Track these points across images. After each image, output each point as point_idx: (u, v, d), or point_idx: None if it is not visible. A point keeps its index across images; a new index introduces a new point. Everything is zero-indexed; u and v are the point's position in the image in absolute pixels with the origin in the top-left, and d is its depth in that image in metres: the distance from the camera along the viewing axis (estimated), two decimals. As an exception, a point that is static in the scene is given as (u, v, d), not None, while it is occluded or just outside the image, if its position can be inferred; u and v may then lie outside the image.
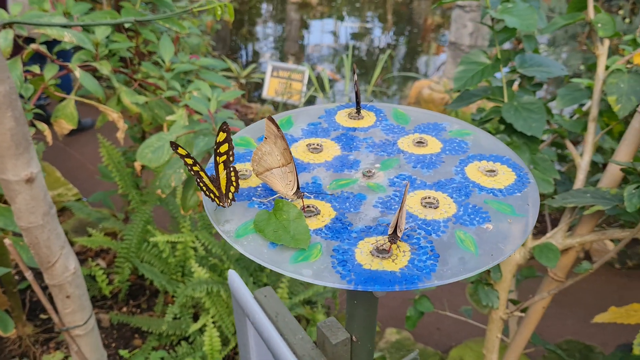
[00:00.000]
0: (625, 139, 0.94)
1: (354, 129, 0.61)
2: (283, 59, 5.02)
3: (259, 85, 4.08)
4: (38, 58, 2.21)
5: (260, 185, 0.53)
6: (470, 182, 0.52)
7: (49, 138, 1.19)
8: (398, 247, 0.45)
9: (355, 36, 5.94)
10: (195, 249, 1.66)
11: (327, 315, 1.75)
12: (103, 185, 2.32)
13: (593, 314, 1.16)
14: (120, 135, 1.29)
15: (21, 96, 1.13)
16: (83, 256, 1.89)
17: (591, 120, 1.02)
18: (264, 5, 7.07)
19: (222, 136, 0.48)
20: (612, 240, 2.01)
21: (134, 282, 1.81)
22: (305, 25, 6.25)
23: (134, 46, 1.43)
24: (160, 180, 1.14)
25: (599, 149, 1.71)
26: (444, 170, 0.54)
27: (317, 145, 0.58)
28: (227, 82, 1.42)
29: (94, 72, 1.30)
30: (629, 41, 1.10)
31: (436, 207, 0.49)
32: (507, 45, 1.11)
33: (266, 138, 0.49)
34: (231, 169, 0.49)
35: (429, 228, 0.47)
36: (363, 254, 0.44)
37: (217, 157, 0.49)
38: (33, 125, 1.14)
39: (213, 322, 1.48)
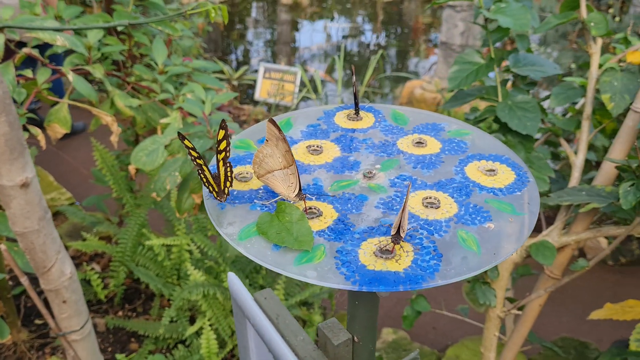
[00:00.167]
0: (619, 137, 0.95)
1: (353, 130, 0.61)
2: (275, 60, 5.02)
3: (250, 87, 4.08)
4: (29, 62, 2.20)
5: (262, 187, 0.53)
6: (470, 182, 0.53)
7: (43, 142, 1.18)
8: (401, 247, 0.45)
9: (346, 37, 5.95)
10: (190, 251, 1.66)
11: (324, 316, 1.75)
12: (96, 189, 2.31)
13: (587, 311, 1.17)
14: (114, 138, 1.28)
15: (14, 101, 1.12)
16: (77, 260, 1.88)
17: (585, 118, 1.03)
18: (255, 7, 7.06)
19: (221, 134, 0.49)
20: (606, 238, 2.02)
21: (129, 285, 1.80)
22: (296, 27, 6.25)
23: (126, 49, 1.43)
24: (155, 184, 1.14)
25: (590, 147, 1.72)
26: (444, 170, 0.54)
27: (317, 146, 0.58)
28: (220, 84, 1.42)
29: (86, 75, 1.30)
30: (620, 39, 1.11)
31: (437, 207, 0.49)
32: (496, 45, 1.12)
33: (267, 140, 0.49)
34: (226, 164, 0.49)
35: (431, 228, 0.47)
36: (366, 254, 0.44)
37: (218, 155, 0.50)
38: (26, 129, 1.13)
39: (210, 325, 1.48)
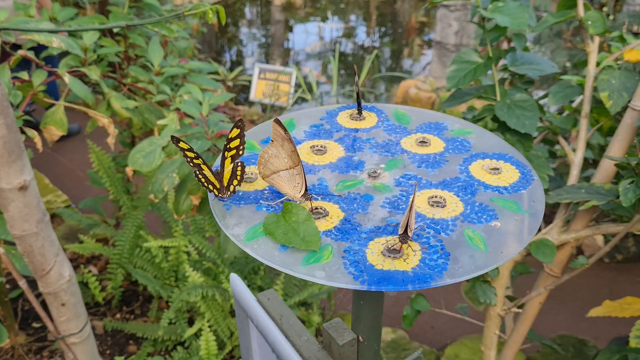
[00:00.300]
0: (617, 135, 0.96)
1: (357, 130, 0.61)
2: (268, 60, 5.01)
3: (245, 88, 4.07)
4: (24, 64, 2.19)
5: (267, 188, 0.52)
6: (475, 181, 0.53)
7: (39, 145, 1.17)
8: (409, 246, 0.45)
9: (340, 37, 5.95)
10: (188, 253, 1.65)
11: (323, 316, 1.75)
12: (92, 191, 2.30)
13: (584, 309, 1.17)
14: (110, 140, 1.28)
15: (10, 103, 1.12)
16: (74, 263, 1.87)
17: (583, 116, 1.03)
18: (248, 8, 7.05)
19: (235, 132, 0.50)
20: (603, 236, 2.03)
21: (126, 288, 1.80)
22: (290, 27, 6.25)
23: (122, 50, 1.42)
24: (152, 185, 1.13)
25: (586, 145, 1.73)
26: (449, 169, 0.54)
27: (321, 146, 0.58)
28: (217, 84, 1.42)
29: (82, 77, 1.29)
30: (616, 37, 1.12)
31: (443, 206, 0.49)
32: (492, 44, 1.12)
33: (272, 141, 0.49)
34: (238, 163, 0.50)
35: (438, 227, 0.47)
36: (374, 254, 0.44)
37: (226, 152, 0.51)
38: (22, 132, 1.12)
39: (209, 326, 1.47)
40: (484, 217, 0.48)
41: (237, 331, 1.52)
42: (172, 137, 0.50)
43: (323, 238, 0.46)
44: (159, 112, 1.39)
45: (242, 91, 4.08)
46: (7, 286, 1.68)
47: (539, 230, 1.10)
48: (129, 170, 1.33)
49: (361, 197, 0.51)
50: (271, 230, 0.46)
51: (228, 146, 0.50)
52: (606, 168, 0.99)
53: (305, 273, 0.42)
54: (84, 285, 1.72)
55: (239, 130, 0.49)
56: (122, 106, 1.30)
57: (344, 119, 0.64)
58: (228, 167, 0.50)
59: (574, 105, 1.20)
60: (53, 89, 2.77)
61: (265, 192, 0.52)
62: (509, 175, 0.53)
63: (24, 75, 1.21)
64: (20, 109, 1.16)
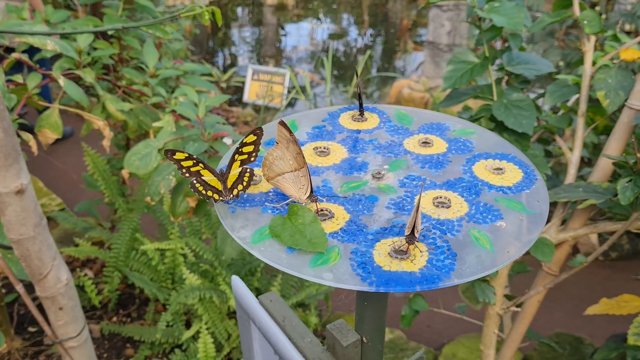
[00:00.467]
0: (614, 134, 0.96)
1: (359, 131, 0.61)
2: (261, 61, 5.01)
3: (238, 89, 4.06)
4: (16, 67, 2.17)
5: (272, 190, 0.52)
6: (479, 181, 0.53)
7: (34, 148, 1.17)
8: (415, 247, 0.45)
9: (333, 37, 5.95)
10: (184, 255, 1.65)
11: (320, 317, 1.75)
12: (86, 194, 2.29)
13: (580, 306, 1.18)
14: (106, 143, 1.27)
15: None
16: (70, 266, 1.85)
17: (580, 115, 1.03)
18: (240, 9, 7.04)
19: (251, 138, 0.50)
20: (598, 234, 2.04)
21: (123, 291, 1.79)
22: (282, 28, 6.24)
23: (116, 53, 1.41)
24: (149, 188, 1.13)
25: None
26: (452, 170, 0.54)
27: (324, 148, 0.58)
28: (212, 86, 1.41)
29: (77, 80, 1.28)
30: (610, 37, 1.12)
31: (448, 207, 0.49)
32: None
33: (277, 143, 0.49)
34: (247, 169, 0.49)
35: (444, 227, 0.47)
36: (381, 255, 0.44)
37: (237, 155, 0.50)
38: (17, 135, 1.11)
39: (207, 329, 1.47)
40: (489, 217, 0.48)
41: (235, 333, 1.52)
42: (166, 151, 0.49)
43: (329, 240, 0.46)
44: (154, 114, 1.38)
45: (235, 93, 4.07)
46: (2, 290, 1.67)
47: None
48: (125, 173, 1.32)
49: (366, 198, 0.51)
50: (277, 233, 0.46)
51: (241, 150, 0.50)
52: (603, 167, 0.99)
53: (314, 275, 0.42)
54: (80, 288, 1.71)
55: (255, 137, 0.50)
56: (117, 108, 1.29)
57: (346, 120, 0.64)
58: (235, 169, 0.50)
59: (569, 104, 1.20)
60: (45, 92, 2.76)
61: (270, 194, 0.52)
62: (513, 175, 0.54)
63: (18, 78, 1.20)
64: (15, 112, 1.15)
